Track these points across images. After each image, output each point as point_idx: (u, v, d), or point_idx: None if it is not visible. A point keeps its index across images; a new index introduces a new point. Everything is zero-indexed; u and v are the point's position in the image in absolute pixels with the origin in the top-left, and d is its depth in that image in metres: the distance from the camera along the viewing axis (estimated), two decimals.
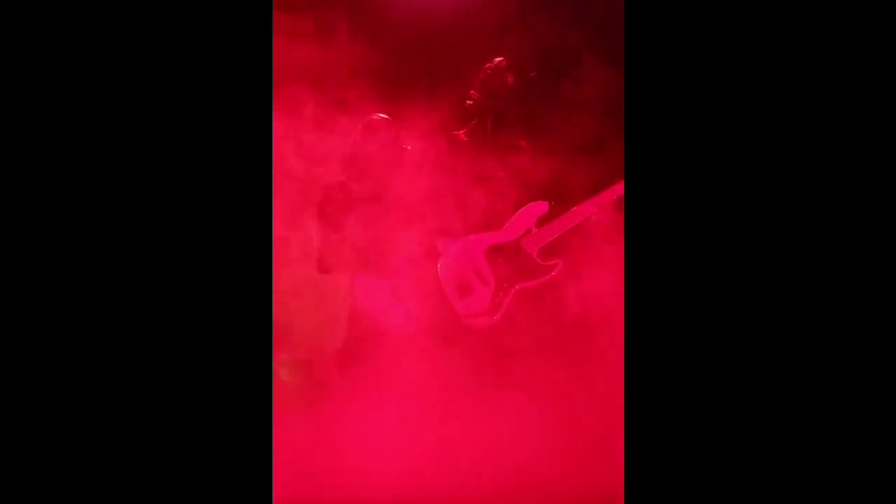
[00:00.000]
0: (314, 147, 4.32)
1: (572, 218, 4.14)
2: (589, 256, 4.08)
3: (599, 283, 3.99)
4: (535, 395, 3.91)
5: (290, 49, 4.20)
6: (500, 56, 4.31)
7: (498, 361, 4.06)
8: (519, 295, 4.13)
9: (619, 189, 4.10)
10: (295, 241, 4.35)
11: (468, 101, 4.29)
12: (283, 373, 4.42)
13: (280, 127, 3.98)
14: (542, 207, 4.18)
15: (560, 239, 4.15)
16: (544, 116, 4.28)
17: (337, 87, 4.34)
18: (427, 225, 4.20)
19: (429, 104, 4.32)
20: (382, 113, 4.32)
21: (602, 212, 4.11)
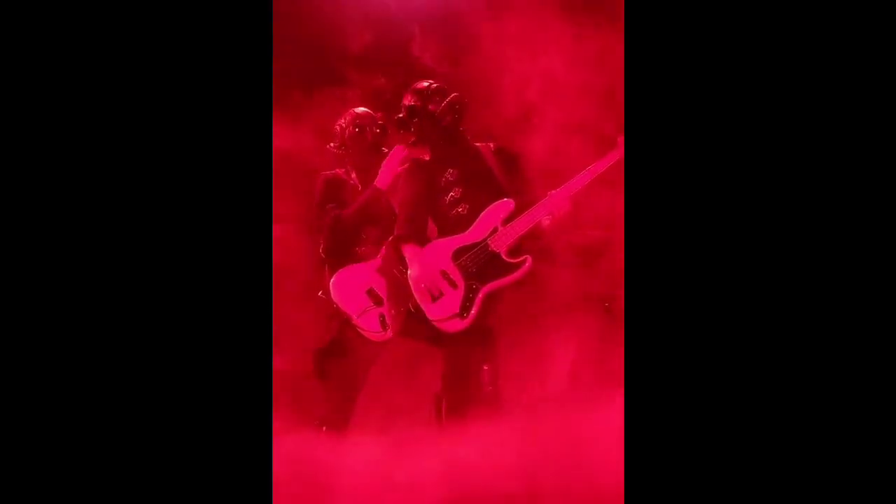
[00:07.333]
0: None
1: (539, 212, 4.15)
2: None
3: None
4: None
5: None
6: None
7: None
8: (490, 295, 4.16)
9: (581, 181, 4.13)
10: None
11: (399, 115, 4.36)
12: None
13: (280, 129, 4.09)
14: (507, 206, 4.20)
15: (528, 234, 4.17)
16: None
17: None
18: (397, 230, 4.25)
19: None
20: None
21: (569, 204, 4.13)
